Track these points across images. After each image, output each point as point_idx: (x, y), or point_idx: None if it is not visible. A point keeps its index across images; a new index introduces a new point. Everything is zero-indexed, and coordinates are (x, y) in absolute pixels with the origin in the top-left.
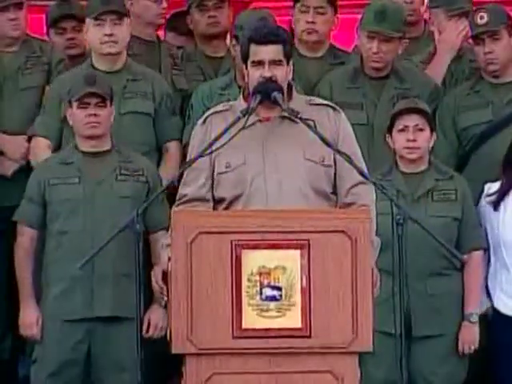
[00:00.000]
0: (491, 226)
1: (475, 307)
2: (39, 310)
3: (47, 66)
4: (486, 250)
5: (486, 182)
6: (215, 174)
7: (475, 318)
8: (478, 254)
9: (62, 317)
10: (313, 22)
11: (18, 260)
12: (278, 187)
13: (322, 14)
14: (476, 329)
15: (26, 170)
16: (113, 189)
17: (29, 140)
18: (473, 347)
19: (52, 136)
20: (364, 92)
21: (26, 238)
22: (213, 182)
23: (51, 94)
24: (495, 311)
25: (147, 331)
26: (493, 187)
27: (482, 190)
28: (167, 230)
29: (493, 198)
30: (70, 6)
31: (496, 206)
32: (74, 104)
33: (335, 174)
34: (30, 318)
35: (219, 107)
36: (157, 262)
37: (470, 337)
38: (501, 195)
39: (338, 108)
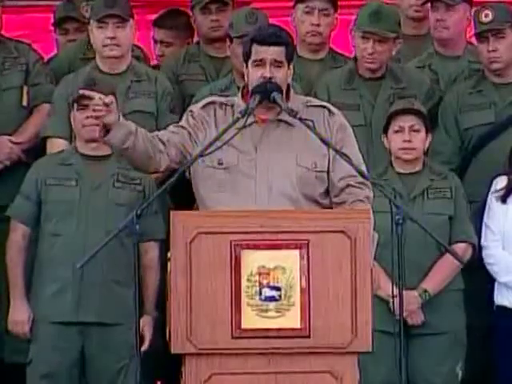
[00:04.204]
0: (499, 221)
1: (431, 289)
2: (30, 308)
3: (25, 65)
4: (475, 245)
5: (494, 177)
6: (201, 165)
7: (423, 298)
8: (461, 246)
9: (53, 319)
10: (318, 25)
11: (10, 257)
12: (267, 192)
13: (327, 15)
14: (417, 304)
15: (10, 170)
16: (109, 195)
17: (42, 142)
18: (405, 314)
19: (66, 135)
20: (360, 93)
21: (18, 234)
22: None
23: (58, 95)
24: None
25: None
26: (500, 182)
27: (491, 185)
28: (158, 242)
29: (501, 192)
30: (73, 7)
31: (504, 200)
32: (74, 106)
33: (328, 177)
34: (20, 316)
35: (223, 99)
36: None
37: (409, 305)
38: (508, 190)
39: (334, 110)
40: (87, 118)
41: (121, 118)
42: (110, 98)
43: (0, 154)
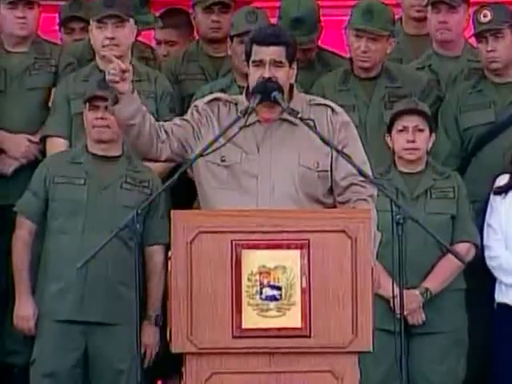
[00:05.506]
0: (501, 220)
1: (433, 288)
2: (36, 304)
3: (55, 68)
4: (477, 245)
5: (497, 176)
6: (203, 160)
7: (424, 296)
8: (464, 246)
9: (57, 317)
10: None
11: (16, 252)
12: (270, 191)
13: None
14: (418, 303)
15: (24, 170)
16: (116, 196)
17: (42, 141)
18: (406, 312)
19: (66, 135)
20: (355, 93)
21: (24, 230)
22: (184, 147)
23: (58, 95)
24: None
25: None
26: (502, 180)
27: (493, 184)
28: (163, 246)
29: (502, 188)
30: (79, 6)
31: (505, 193)
32: (86, 105)
33: (332, 175)
34: (25, 311)
35: (227, 96)
36: None
37: (410, 304)
38: (509, 186)
39: (337, 108)
40: (97, 118)
41: (135, 93)
42: (126, 65)
43: (17, 151)
